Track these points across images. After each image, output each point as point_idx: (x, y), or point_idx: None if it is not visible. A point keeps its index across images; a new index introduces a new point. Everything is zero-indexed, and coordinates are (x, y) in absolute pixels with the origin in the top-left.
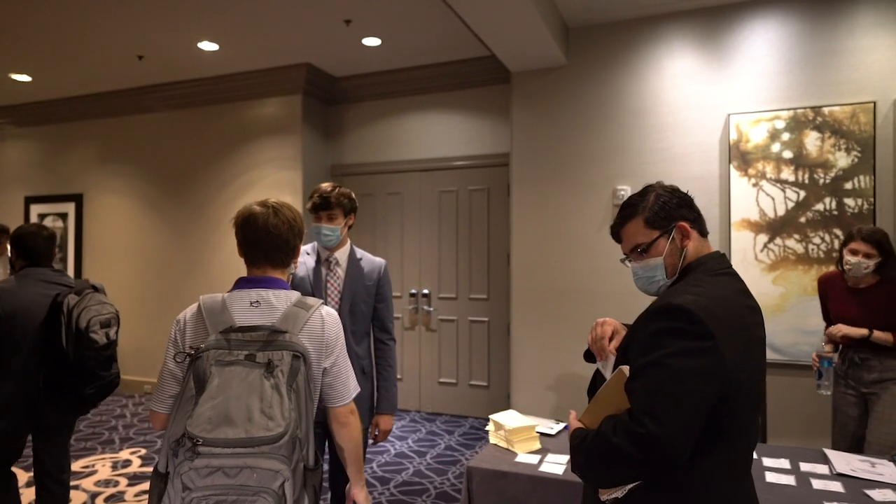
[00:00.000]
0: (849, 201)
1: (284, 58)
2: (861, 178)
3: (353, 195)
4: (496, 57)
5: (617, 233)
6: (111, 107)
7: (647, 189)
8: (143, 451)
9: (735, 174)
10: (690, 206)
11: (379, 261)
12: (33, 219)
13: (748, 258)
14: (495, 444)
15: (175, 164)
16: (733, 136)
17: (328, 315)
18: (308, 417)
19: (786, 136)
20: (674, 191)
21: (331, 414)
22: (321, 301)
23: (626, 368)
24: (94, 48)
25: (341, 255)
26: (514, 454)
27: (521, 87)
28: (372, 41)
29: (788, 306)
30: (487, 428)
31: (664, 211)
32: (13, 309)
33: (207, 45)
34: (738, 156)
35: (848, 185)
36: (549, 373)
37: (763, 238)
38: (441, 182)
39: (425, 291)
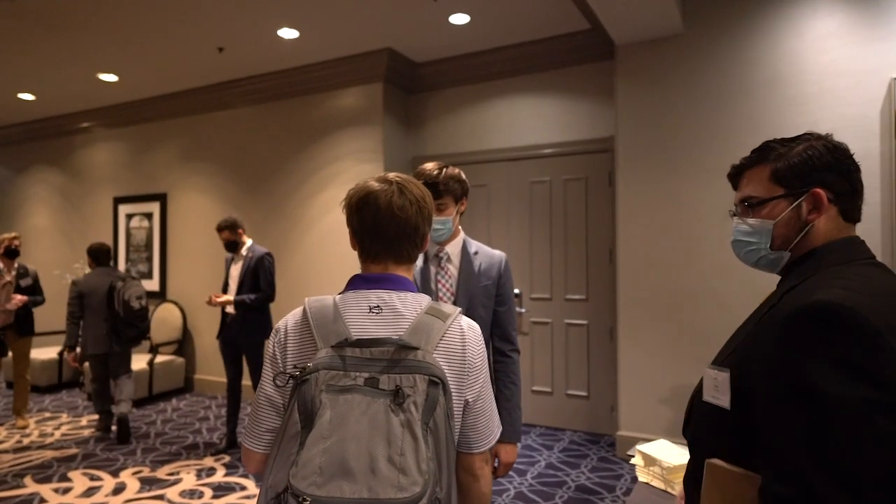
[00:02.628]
0: None
1: (365, 43)
2: None
3: (463, 175)
4: (598, 29)
5: (737, 175)
6: (192, 104)
7: (802, 137)
8: (227, 459)
9: None
10: (846, 175)
11: (498, 254)
12: (121, 219)
13: None
14: (647, 483)
15: (254, 161)
16: None
17: (470, 328)
18: (450, 470)
19: None
20: (833, 149)
21: (460, 462)
22: (459, 309)
23: (716, 462)
24: (176, 42)
25: (453, 249)
26: (675, 497)
27: (628, 62)
28: (460, 18)
29: None
30: (633, 461)
31: (804, 168)
32: (87, 289)
33: (287, 32)
34: None
35: None
36: (662, 384)
37: None
38: (532, 172)
39: (516, 292)
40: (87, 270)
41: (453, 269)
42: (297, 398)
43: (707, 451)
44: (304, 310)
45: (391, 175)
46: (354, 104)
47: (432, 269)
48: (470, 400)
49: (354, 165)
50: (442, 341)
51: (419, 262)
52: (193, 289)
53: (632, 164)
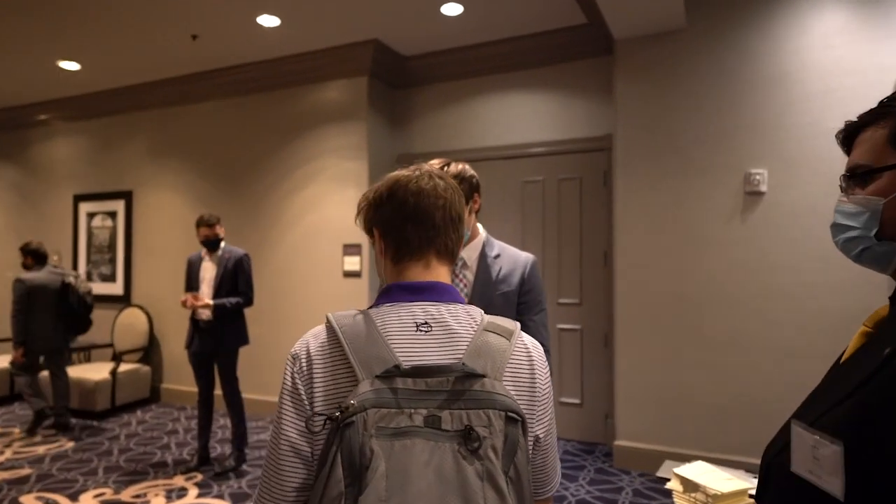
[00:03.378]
0: None
1: (351, 33)
2: None
3: (472, 171)
4: (596, 23)
5: (850, 137)
6: (163, 96)
7: None
8: (200, 478)
9: None
10: None
11: (524, 257)
12: (81, 218)
13: None
14: None
15: (230, 157)
16: None
17: (534, 347)
18: None
19: None
20: None
21: None
22: (517, 323)
23: None
24: (145, 27)
25: (470, 253)
26: None
27: (628, 58)
28: (453, 8)
29: None
30: (669, 486)
31: None
32: (36, 286)
33: (267, 20)
34: None
35: None
36: (661, 393)
37: None
38: (524, 171)
39: None
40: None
41: (470, 276)
42: (338, 447)
43: None
44: (332, 328)
45: (413, 167)
46: (338, 98)
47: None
48: (541, 436)
49: (337, 162)
50: (510, 366)
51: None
52: (161, 292)
53: (631, 164)
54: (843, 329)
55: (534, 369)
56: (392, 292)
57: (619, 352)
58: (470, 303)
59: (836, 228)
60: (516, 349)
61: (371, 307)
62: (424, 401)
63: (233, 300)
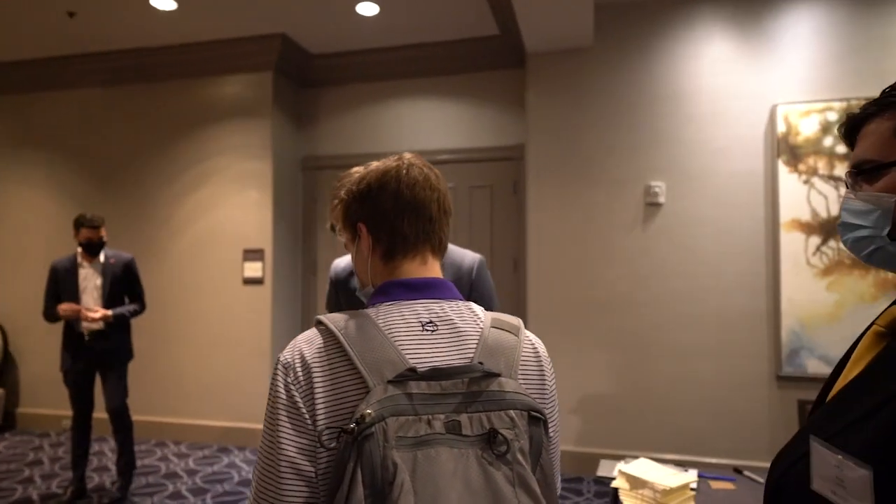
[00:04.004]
0: None
1: (256, 25)
2: None
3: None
4: (508, 36)
5: (852, 129)
6: (28, 79)
7: None
8: None
9: (784, 170)
10: None
11: (470, 258)
12: None
13: (799, 262)
14: None
15: (109, 152)
16: (781, 129)
17: (539, 343)
18: None
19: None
20: None
21: None
22: (519, 319)
23: None
24: (11, 1)
25: None
26: None
27: (539, 71)
28: (369, 8)
29: (844, 315)
30: (615, 484)
31: None
32: None
33: (162, 2)
34: (787, 150)
35: None
36: (571, 395)
37: (815, 240)
38: None
39: None
40: None
41: None
42: (357, 462)
43: None
44: (329, 332)
45: (393, 157)
46: (239, 94)
47: None
48: (551, 434)
49: (238, 162)
50: (520, 363)
51: None
52: (19, 305)
53: (542, 174)
54: (733, 329)
55: (542, 365)
56: (390, 290)
57: None
58: None
59: (845, 227)
60: (524, 345)
61: (368, 307)
62: (441, 405)
63: (131, 308)
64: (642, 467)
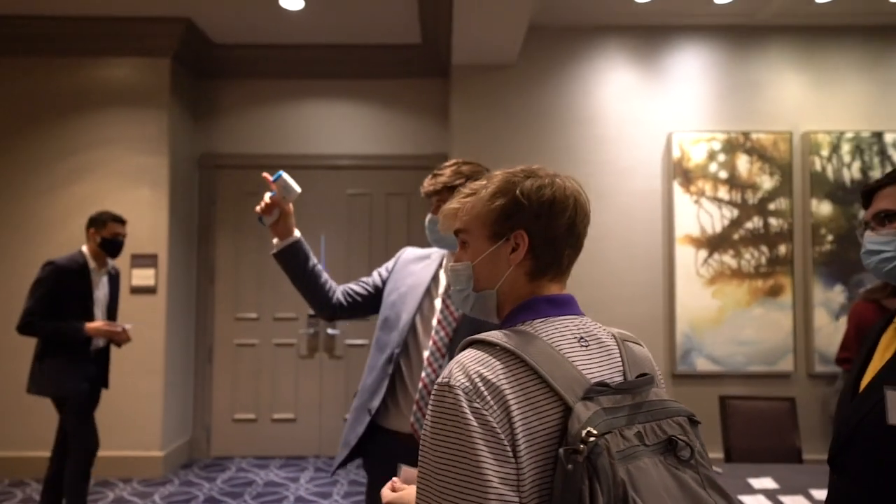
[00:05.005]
0: (772, 221)
1: (156, 5)
2: (781, 200)
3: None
4: (430, 46)
5: (872, 192)
6: None
7: None
8: None
9: (679, 191)
10: None
11: None
12: None
13: (690, 273)
14: None
15: None
16: (676, 154)
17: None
18: None
19: (721, 157)
20: None
21: None
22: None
23: None
24: None
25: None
26: None
27: (465, 83)
28: (293, 2)
29: (725, 319)
30: None
31: None
32: None
33: None
34: (681, 173)
35: (771, 206)
36: None
37: (703, 254)
38: (351, 183)
39: None
40: None
41: None
42: (595, 482)
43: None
44: (508, 351)
45: (541, 170)
46: (131, 79)
47: (445, 281)
48: None
49: (128, 156)
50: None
51: (428, 272)
52: None
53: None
54: (637, 334)
55: (655, 371)
56: (537, 307)
57: None
58: (459, 321)
59: (869, 254)
60: (649, 353)
61: (520, 325)
62: (619, 418)
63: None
64: None
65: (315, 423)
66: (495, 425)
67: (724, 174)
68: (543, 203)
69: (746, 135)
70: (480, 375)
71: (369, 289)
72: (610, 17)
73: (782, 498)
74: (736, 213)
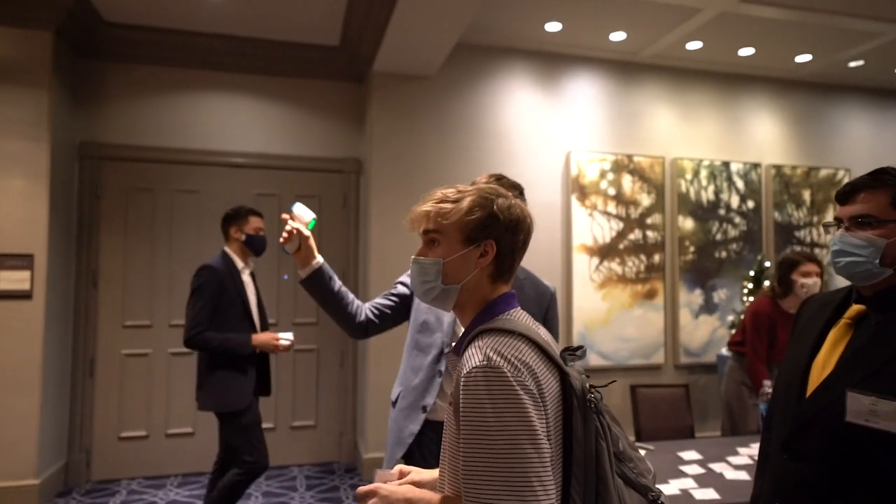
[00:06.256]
0: (650, 233)
1: None
2: (656, 215)
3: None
4: (346, 49)
5: (851, 192)
6: None
7: None
8: None
9: (576, 204)
10: None
11: (546, 286)
12: None
13: (584, 278)
14: None
15: None
16: (574, 171)
17: None
18: None
19: (610, 176)
20: None
21: None
22: None
23: None
24: None
25: None
26: None
27: (384, 90)
28: None
29: (612, 319)
30: None
31: None
32: None
33: None
34: (578, 188)
35: (649, 221)
36: None
37: (595, 261)
38: (258, 183)
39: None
40: None
41: None
42: (602, 418)
43: (852, 467)
44: (520, 334)
45: (494, 186)
46: (5, 52)
47: None
48: None
49: None
50: None
51: None
52: None
53: (383, 191)
54: None
55: None
56: (508, 301)
57: (370, 366)
58: None
59: (842, 253)
60: None
61: (503, 315)
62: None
63: None
64: None
65: (215, 436)
66: (535, 391)
67: (612, 191)
68: (513, 219)
69: (630, 157)
70: (514, 355)
71: (397, 300)
72: (521, 41)
73: (710, 465)
74: (621, 225)
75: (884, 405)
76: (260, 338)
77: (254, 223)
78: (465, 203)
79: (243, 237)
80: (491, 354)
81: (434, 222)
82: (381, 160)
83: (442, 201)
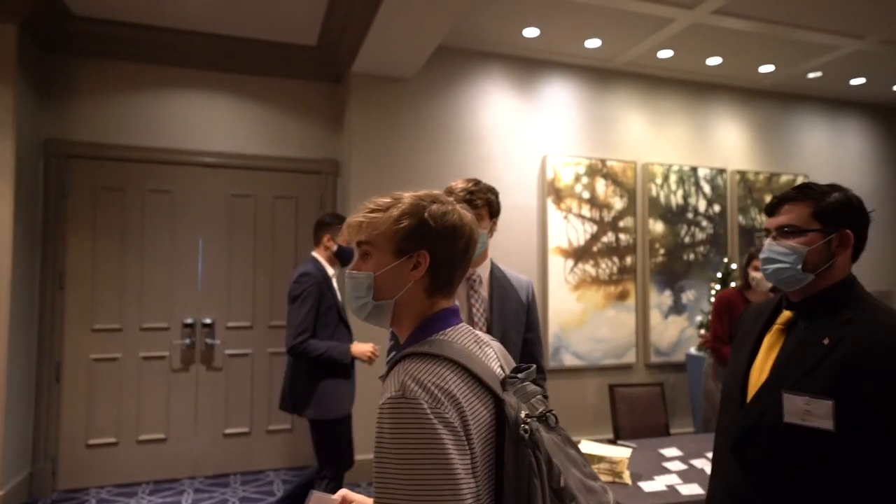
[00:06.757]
0: (622, 236)
1: None
2: (628, 218)
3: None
4: (323, 49)
5: (778, 205)
6: None
7: (840, 187)
8: None
9: (552, 207)
10: (866, 224)
11: (525, 279)
12: None
13: (560, 280)
14: None
15: None
16: (550, 175)
17: None
18: None
19: (585, 180)
20: (859, 202)
21: None
22: None
23: None
24: None
25: (483, 271)
26: (634, 486)
27: (362, 92)
28: None
29: (587, 319)
30: None
31: (839, 211)
32: None
33: None
34: (554, 192)
35: (621, 224)
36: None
37: (570, 263)
38: (234, 184)
39: (207, 321)
40: None
41: (484, 293)
42: (537, 452)
43: (793, 466)
44: (447, 359)
45: (434, 192)
46: None
47: (462, 293)
48: None
49: None
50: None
51: (480, 273)
52: None
53: (363, 192)
54: None
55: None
56: (445, 318)
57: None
58: (490, 318)
59: (770, 260)
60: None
61: (436, 335)
62: (521, 398)
63: None
64: (590, 448)
65: (189, 441)
66: (456, 425)
67: (586, 194)
68: (447, 227)
69: (603, 161)
70: (434, 384)
71: None
72: (499, 46)
73: (691, 461)
74: (595, 228)
75: (816, 404)
76: (358, 348)
77: (344, 235)
78: (395, 211)
79: (335, 247)
80: (408, 383)
81: (365, 233)
82: (361, 161)
83: (373, 210)
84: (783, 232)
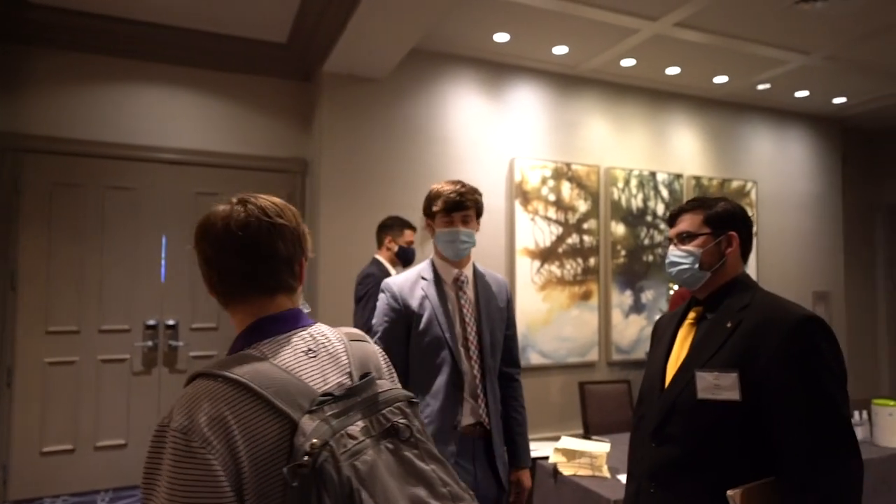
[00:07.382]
0: (586, 238)
1: None
2: (592, 221)
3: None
4: (294, 47)
5: (677, 215)
6: None
7: (727, 199)
8: None
9: (519, 209)
10: (748, 227)
11: (502, 279)
12: None
13: (527, 280)
14: (573, 475)
15: None
16: (517, 177)
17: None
18: None
19: (551, 183)
20: (743, 210)
21: None
22: None
23: (737, 492)
24: None
25: (468, 272)
26: (613, 479)
27: (334, 91)
28: None
29: (552, 319)
30: (553, 459)
31: (724, 218)
32: None
33: None
34: (521, 194)
35: (585, 226)
36: None
37: (536, 264)
38: (198, 181)
39: (171, 322)
40: None
41: (470, 293)
42: (322, 490)
43: (707, 439)
44: (234, 381)
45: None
46: None
47: (451, 294)
48: None
49: None
50: (383, 364)
51: (432, 289)
52: None
53: (335, 192)
54: None
55: (386, 360)
56: (263, 328)
57: None
58: (478, 318)
59: (672, 263)
60: (377, 348)
61: (246, 349)
62: (351, 418)
63: None
64: (571, 443)
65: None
66: (215, 463)
67: (552, 197)
68: (215, 237)
69: (568, 165)
70: (203, 412)
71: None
72: (470, 49)
73: None
74: (560, 230)
75: (724, 378)
76: None
77: (407, 236)
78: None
79: (396, 248)
80: (176, 411)
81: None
82: (331, 161)
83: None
84: (681, 238)
